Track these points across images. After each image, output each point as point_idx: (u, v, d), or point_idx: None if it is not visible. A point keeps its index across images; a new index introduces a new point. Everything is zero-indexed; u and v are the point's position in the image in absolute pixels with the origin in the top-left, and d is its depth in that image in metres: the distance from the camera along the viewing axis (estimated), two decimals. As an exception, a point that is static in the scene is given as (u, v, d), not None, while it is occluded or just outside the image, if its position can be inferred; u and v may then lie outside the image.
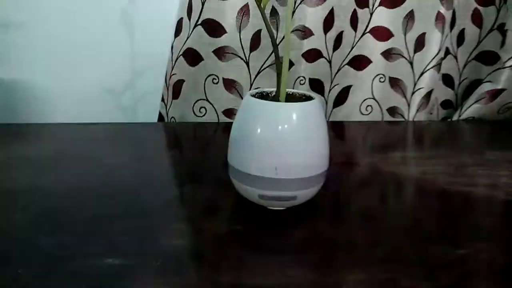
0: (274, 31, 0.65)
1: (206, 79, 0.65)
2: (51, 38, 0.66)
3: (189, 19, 0.63)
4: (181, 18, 0.65)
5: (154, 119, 0.71)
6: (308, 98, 0.39)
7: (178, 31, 0.66)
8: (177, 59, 0.66)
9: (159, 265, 0.30)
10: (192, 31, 0.63)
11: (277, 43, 0.65)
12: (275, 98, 0.40)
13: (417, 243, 0.34)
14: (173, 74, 0.67)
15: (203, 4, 0.61)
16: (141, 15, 0.67)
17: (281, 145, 0.36)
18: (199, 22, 0.62)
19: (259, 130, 0.36)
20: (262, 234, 0.35)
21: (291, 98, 0.40)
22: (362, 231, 0.36)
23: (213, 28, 0.62)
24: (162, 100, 0.69)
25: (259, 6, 0.37)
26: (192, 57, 0.65)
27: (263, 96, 0.40)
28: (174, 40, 0.66)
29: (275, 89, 0.41)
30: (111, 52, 0.68)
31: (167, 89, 0.68)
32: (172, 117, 0.69)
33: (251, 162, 0.37)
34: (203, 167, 0.49)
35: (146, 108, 0.72)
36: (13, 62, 0.66)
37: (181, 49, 0.65)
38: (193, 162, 0.51)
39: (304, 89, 0.69)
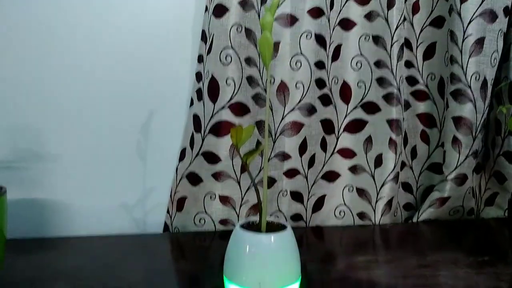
0: (260, 157, 0.81)
1: (205, 196, 0.80)
2: (74, 166, 0.81)
3: (192, 149, 0.80)
4: (184, 148, 0.81)
5: (161, 228, 0.85)
6: (282, 227, 0.54)
7: (181, 157, 0.82)
8: (180, 179, 0.81)
9: None
10: (194, 159, 0.79)
11: (262, 166, 0.81)
12: (259, 227, 0.54)
13: None
14: (177, 192, 0.81)
15: (203, 140, 0.78)
16: (150, 144, 0.83)
17: (263, 265, 0.49)
18: (200, 153, 0.78)
19: (246, 252, 0.50)
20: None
21: (270, 225, 0.55)
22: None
23: (211, 157, 0.78)
24: (168, 212, 0.83)
25: (245, 165, 0.52)
26: (194, 179, 0.80)
27: (249, 225, 0.55)
28: (178, 164, 0.82)
29: (257, 220, 0.55)
30: (125, 174, 0.83)
31: (172, 203, 0.82)
32: (176, 227, 0.83)
33: (240, 277, 0.50)
34: (204, 277, 0.61)
35: (154, 218, 0.85)
36: (46, 186, 0.81)
37: (184, 172, 0.81)
38: (195, 271, 0.63)
39: (287, 200, 0.84)
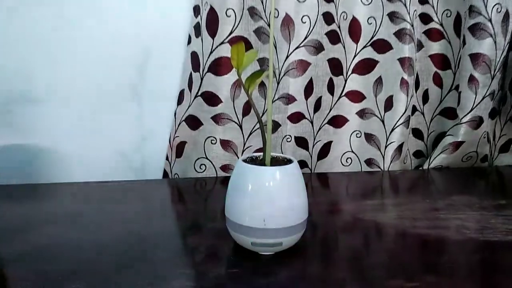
0: (262, 100, 0.76)
1: (205, 140, 0.76)
2: (70, 108, 0.77)
3: (190, 91, 0.75)
4: (183, 90, 0.76)
5: (160, 175, 0.81)
6: (289, 161, 0.49)
7: (180, 100, 0.77)
8: (179, 124, 0.76)
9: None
10: (193, 101, 0.74)
11: (266, 109, 0.76)
12: (262, 162, 0.50)
13: (380, 278, 0.43)
14: (176, 137, 0.77)
15: (201, 79, 0.72)
16: (147, 87, 0.78)
17: (268, 201, 0.45)
18: (199, 94, 0.73)
19: (249, 189, 0.46)
20: (255, 275, 0.44)
21: (275, 161, 0.50)
22: (343, 271, 0.45)
23: (211, 98, 0.73)
24: (167, 159, 0.79)
25: (247, 93, 0.47)
26: (193, 122, 0.75)
27: (252, 160, 0.50)
28: (176, 108, 0.77)
29: (261, 154, 0.51)
30: (123, 120, 0.79)
31: (171, 149, 0.78)
32: (176, 173, 0.79)
33: (244, 215, 0.46)
34: (204, 219, 0.58)
35: (153, 166, 0.81)
36: (37, 130, 0.77)
37: (183, 116, 0.76)
38: (195, 214, 0.60)
39: (291, 146, 0.80)
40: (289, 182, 0.46)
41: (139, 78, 0.78)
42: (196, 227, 0.56)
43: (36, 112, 0.76)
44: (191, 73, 0.74)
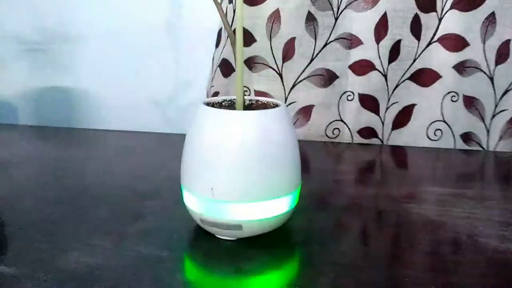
0: (312, 40, 0.58)
1: (237, 91, 0.61)
2: (104, 51, 0.69)
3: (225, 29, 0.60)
4: (221, 29, 0.62)
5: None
6: (273, 106, 0.33)
7: (218, 42, 0.63)
8: (215, 70, 0.63)
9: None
10: (226, 41, 0.60)
11: (318, 51, 0.58)
12: (233, 106, 0.34)
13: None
14: (212, 86, 0.64)
15: (234, 11, 0.57)
16: (185, 27, 0.67)
17: (221, 160, 0.30)
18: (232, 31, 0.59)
19: (201, 142, 0.31)
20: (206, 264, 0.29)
21: (260, 106, 0.34)
22: None
23: (243, 36, 0.58)
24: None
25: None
26: (226, 67, 0.61)
27: (222, 104, 0.35)
28: (214, 52, 0.64)
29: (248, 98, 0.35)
30: (157, 64, 0.69)
31: (206, 101, 0.66)
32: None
33: (190, 180, 0.31)
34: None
35: (189, 118, 0.70)
36: (73, 72, 0.71)
37: (219, 60, 0.62)
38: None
39: (354, 106, 0.60)
40: (261, 135, 0.30)
41: (176, 18, 0.66)
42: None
43: (72, 52, 0.71)
44: (227, 7, 0.60)
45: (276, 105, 0.34)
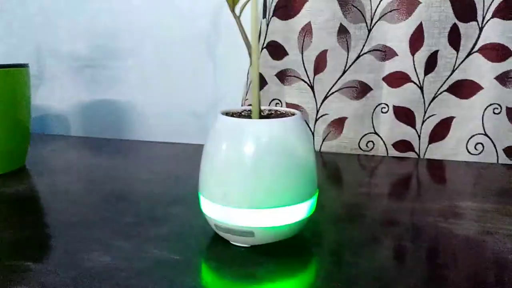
0: (345, 52, 0.57)
1: (270, 103, 0.62)
2: (148, 65, 0.73)
3: (259, 41, 0.62)
4: (255, 42, 0.64)
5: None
6: (290, 115, 0.33)
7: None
8: (249, 84, 0.64)
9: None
10: (260, 54, 0.61)
11: (351, 63, 0.58)
12: (249, 115, 0.35)
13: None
14: (246, 99, 0.65)
15: (267, 25, 0.59)
16: (223, 42, 0.69)
17: (234, 166, 0.30)
18: (264, 45, 0.60)
19: (218, 149, 0.32)
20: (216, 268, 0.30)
21: (277, 115, 0.35)
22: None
23: (276, 50, 0.59)
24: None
25: (232, 10, 0.33)
26: (259, 81, 0.62)
27: (240, 114, 0.36)
28: (249, 65, 0.65)
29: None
30: (196, 78, 0.71)
31: (241, 113, 0.67)
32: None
33: (206, 187, 0.32)
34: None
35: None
36: (120, 85, 0.76)
37: (253, 73, 0.64)
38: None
39: (388, 119, 0.59)
40: (273, 143, 0.30)
41: (213, 30, 0.69)
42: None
43: (120, 67, 0.75)
44: (261, 21, 0.61)
45: (293, 115, 0.34)
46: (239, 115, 0.35)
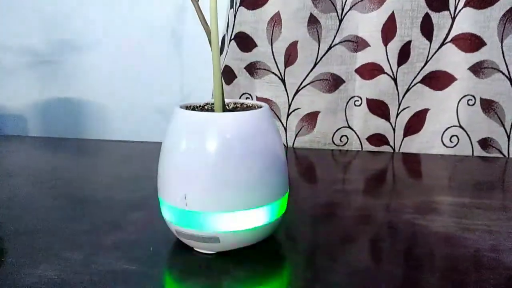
0: (316, 43, 0.55)
1: (240, 98, 0.59)
2: (110, 60, 0.69)
3: (226, 34, 0.59)
4: (224, 35, 0.61)
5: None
6: (255, 107, 0.30)
7: (222, 49, 0.61)
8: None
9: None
10: (228, 47, 0.58)
11: (322, 55, 0.55)
12: (212, 108, 0.32)
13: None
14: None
15: (235, 16, 0.56)
16: (189, 34, 0.66)
17: (196, 166, 0.27)
18: (232, 37, 0.57)
19: (176, 147, 0.28)
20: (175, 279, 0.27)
21: (243, 108, 0.32)
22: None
23: (244, 42, 0.56)
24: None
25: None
26: (228, 74, 0.59)
27: (201, 107, 0.33)
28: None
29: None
30: (161, 72, 0.68)
31: (210, 109, 0.64)
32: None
33: (164, 189, 0.29)
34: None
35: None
36: (79, 82, 0.71)
37: (222, 67, 0.61)
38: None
39: (361, 112, 0.57)
40: (239, 138, 0.27)
41: (180, 22, 0.65)
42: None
43: (79, 63, 0.71)
44: (228, 11, 0.58)
45: (260, 107, 0.31)
46: (201, 108, 0.32)
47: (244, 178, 0.27)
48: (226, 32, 0.59)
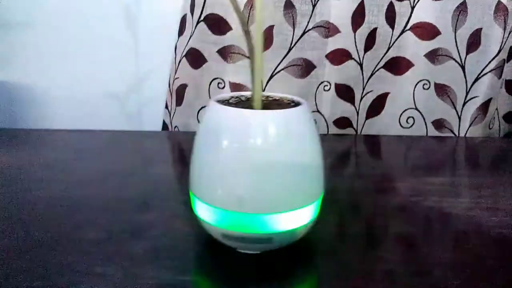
0: (291, 28, 0.55)
1: (210, 83, 0.57)
2: (51, 40, 0.61)
3: (192, 15, 0.55)
4: (185, 15, 0.57)
5: (159, 125, 0.64)
6: (297, 105, 0.29)
7: (181, 29, 0.58)
8: (180, 60, 0.58)
9: None
10: (195, 29, 0.55)
11: (296, 40, 0.55)
12: (249, 104, 0.30)
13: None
14: (176, 78, 0.59)
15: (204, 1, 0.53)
16: (145, 13, 0.61)
17: (247, 168, 0.26)
18: (201, 18, 0.54)
19: (218, 147, 0.27)
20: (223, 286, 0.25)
21: (274, 103, 0.31)
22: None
23: (217, 24, 0.53)
24: (166, 107, 0.62)
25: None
26: (195, 58, 0.56)
27: (234, 101, 0.31)
28: (178, 40, 0.59)
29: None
30: (114, 54, 0.62)
31: (171, 94, 0.60)
32: (176, 126, 0.61)
33: (211, 190, 0.27)
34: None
35: (151, 114, 0.64)
36: (13, 64, 0.62)
37: (184, 50, 0.57)
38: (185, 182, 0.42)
39: (330, 97, 0.59)
40: (289, 136, 0.27)
41: (134, 1, 0.60)
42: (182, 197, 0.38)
43: (15, 41, 0.61)
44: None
45: (292, 102, 0.30)
46: (228, 103, 0.31)
47: (297, 177, 0.27)
48: (189, 12, 0.56)
